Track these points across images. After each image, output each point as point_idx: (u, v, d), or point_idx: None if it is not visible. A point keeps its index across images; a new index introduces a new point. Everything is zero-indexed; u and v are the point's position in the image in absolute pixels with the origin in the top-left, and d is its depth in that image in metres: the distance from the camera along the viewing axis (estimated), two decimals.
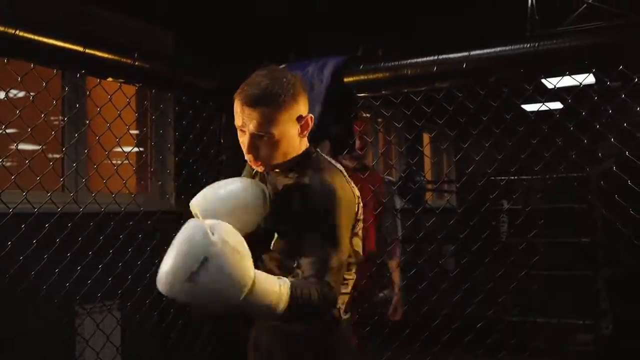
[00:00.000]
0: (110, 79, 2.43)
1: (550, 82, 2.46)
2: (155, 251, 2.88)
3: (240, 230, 1.28)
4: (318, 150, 1.59)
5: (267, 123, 1.41)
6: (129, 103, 2.60)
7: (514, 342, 2.76)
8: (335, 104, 2.57)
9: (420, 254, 3.53)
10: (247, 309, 1.26)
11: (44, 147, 2.28)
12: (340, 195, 1.42)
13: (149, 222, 2.81)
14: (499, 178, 3.40)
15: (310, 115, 1.51)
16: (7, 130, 2.16)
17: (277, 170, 1.54)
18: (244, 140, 1.46)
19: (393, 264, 3.00)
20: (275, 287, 1.26)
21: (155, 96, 3.40)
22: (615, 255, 3.45)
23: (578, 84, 2.33)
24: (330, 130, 2.66)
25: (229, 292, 1.18)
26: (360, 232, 1.55)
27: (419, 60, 2.43)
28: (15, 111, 2.16)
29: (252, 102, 1.40)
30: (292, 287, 1.27)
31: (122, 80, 2.46)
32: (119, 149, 2.72)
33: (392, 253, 2.98)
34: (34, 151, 2.52)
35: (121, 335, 3.04)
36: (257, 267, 1.27)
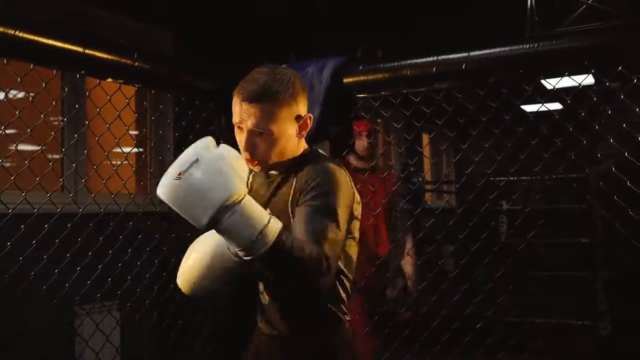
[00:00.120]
0: (109, 80, 2.44)
1: (550, 83, 2.46)
2: (155, 252, 2.88)
3: None
4: (319, 150, 1.58)
5: (265, 120, 1.39)
6: (128, 104, 2.60)
7: (513, 343, 2.76)
8: (334, 104, 2.58)
9: (419, 254, 3.53)
10: (228, 233, 1.22)
11: (43, 147, 2.28)
12: (339, 179, 1.41)
13: (148, 222, 2.81)
14: (499, 179, 3.41)
15: (309, 115, 1.50)
16: (7, 131, 2.16)
17: (273, 172, 1.52)
18: (241, 138, 1.44)
19: (408, 266, 3.03)
20: (264, 217, 1.23)
21: (154, 97, 3.40)
22: (614, 256, 3.45)
23: (577, 84, 2.34)
24: (330, 130, 2.66)
25: (212, 195, 1.18)
26: (356, 234, 1.53)
27: (419, 61, 2.43)
28: (15, 112, 2.15)
29: (250, 98, 1.39)
30: (283, 230, 1.24)
31: (121, 81, 2.46)
32: (119, 150, 2.72)
33: (404, 252, 3.02)
34: (33, 152, 2.52)
35: (120, 335, 3.04)
36: None
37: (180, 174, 1.21)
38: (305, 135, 1.52)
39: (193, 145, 1.29)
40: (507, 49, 2.28)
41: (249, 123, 1.40)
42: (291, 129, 1.45)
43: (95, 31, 2.70)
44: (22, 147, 2.60)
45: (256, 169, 1.48)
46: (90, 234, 2.50)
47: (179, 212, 1.23)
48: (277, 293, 1.51)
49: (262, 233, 1.21)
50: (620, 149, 2.21)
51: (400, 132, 4.64)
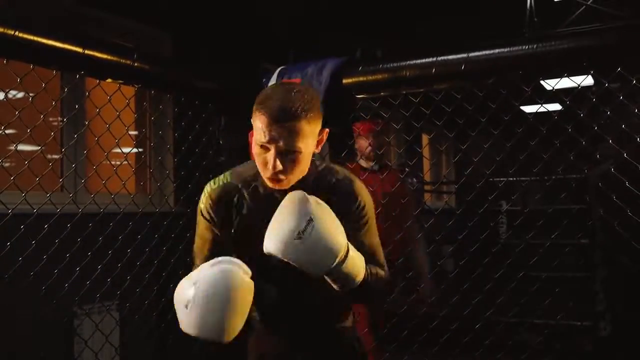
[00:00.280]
0: (109, 80, 2.44)
1: (549, 84, 2.47)
2: (154, 252, 2.89)
3: None
4: (322, 161, 1.64)
5: (296, 138, 1.37)
6: (128, 104, 2.60)
7: (512, 343, 2.76)
8: (334, 105, 2.58)
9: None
10: (336, 275, 1.39)
11: (43, 147, 2.28)
12: (368, 194, 1.57)
13: (148, 223, 2.81)
14: (498, 179, 3.41)
15: (327, 129, 1.50)
16: (7, 131, 2.16)
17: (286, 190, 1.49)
18: (266, 156, 1.40)
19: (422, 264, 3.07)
20: (362, 259, 1.44)
21: (154, 97, 3.40)
22: (613, 257, 3.45)
23: (577, 85, 2.34)
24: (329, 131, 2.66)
25: (332, 250, 1.34)
26: None
27: (418, 61, 2.43)
28: (15, 112, 2.16)
29: (282, 117, 1.36)
30: (367, 264, 1.47)
31: (121, 81, 2.46)
32: (118, 150, 2.72)
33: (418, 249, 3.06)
34: (33, 152, 2.52)
35: (120, 335, 3.04)
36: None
37: (299, 234, 1.32)
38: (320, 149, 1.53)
39: (296, 200, 1.36)
40: (506, 49, 2.28)
41: (281, 143, 1.37)
42: (313, 145, 1.46)
43: (95, 32, 2.71)
44: (22, 147, 2.60)
45: (281, 186, 1.46)
46: (90, 234, 2.50)
47: (295, 265, 1.35)
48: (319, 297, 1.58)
49: (359, 273, 1.43)
50: (620, 150, 2.22)
51: (400, 133, 4.64)
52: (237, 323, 1.41)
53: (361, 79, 2.57)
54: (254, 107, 1.42)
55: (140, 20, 3.58)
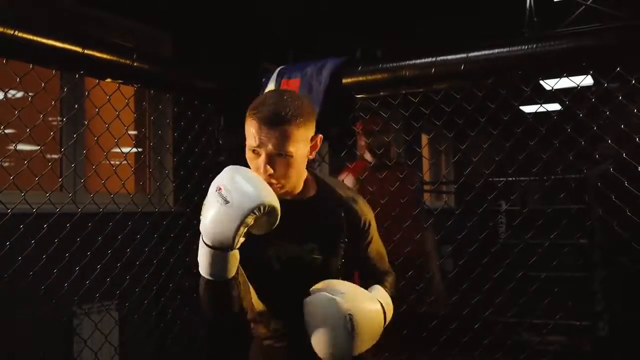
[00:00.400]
0: (108, 80, 2.44)
1: (549, 84, 2.47)
2: (154, 252, 2.89)
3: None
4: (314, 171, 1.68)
5: (285, 142, 1.41)
6: (127, 104, 2.60)
7: (511, 343, 2.76)
8: (333, 105, 2.58)
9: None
10: None
11: (42, 147, 2.28)
12: (369, 207, 1.67)
13: (147, 222, 2.81)
14: (497, 179, 3.41)
15: (320, 135, 1.53)
16: (6, 131, 2.16)
17: (287, 198, 1.52)
18: (258, 161, 1.44)
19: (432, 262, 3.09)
20: (389, 304, 1.61)
21: (153, 97, 3.40)
22: (612, 257, 3.46)
23: (576, 85, 2.34)
24: (328, 131, 2.66)
25: (376, 329, 1.52)
26: None
27: (417, 61, 2.43)
28: (14, 111, 2.16)
29: (272, 121, 1.40)
30: (388, 290, 1.66)
31: (120, 81, 2.46)
32: (118, 150, 2.72)
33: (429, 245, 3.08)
34: (32, 151, 2.52)
35: (119, 335, 3.04)
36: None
37: (350, 333, 1.45)
38: (315, 155, 1.56)
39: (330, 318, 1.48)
40: (506, 49, 2.28)
41: (270, 146, 1.41)
42: (306, 150, 1.49)
43: (94, 32, 2.71)
44: (21, 147, 2.60)
45: (277, 192, 1.46)
46: (89, 233, 2.50)
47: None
48: None
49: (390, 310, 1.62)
50: (619, 150, 2.22)
51: (399, 133, 4.64)
52: None
53: (361, 78, 2.57)
54: (247, 113, 1.45)
55: (140, 20, 3.58)
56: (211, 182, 1.44)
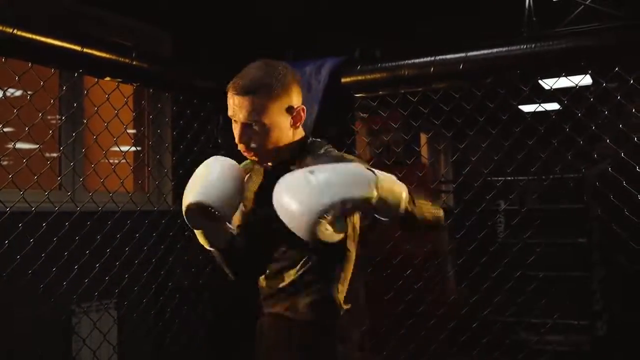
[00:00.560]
0: (107, 79, 2.44)
1: (547, 84, 2.47)
2: (152, 250, 2.89)
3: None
4: (319, 140, 1.60)
5: (256, 111, 1.44)
6: (126, 102, 2.60)
7: (509, 342, 2.76)
8: (332, 104, 2.58)
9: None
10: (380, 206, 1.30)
11: (41, 146, 2.28)
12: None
13: (146, 221, 2.81)
14: (496, 178, 3.41)
15: (302, 106, 1.53)
16: (5, 129, 2.17)
17: (271, 164, 1.55)
18: (235, 130, 1.49)
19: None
20: (398, 183, 1.35)
21: (152, 96, 3.40)
22: (610, 257, 3.46)
23: (574, 85, 2.34)
24: (327, 130, 2.67)
25: (353, 176, 1.27)
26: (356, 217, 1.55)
27: (416, 61, 2.43)
28: (13, 110, 2.16)
29: (242, 91, 1.44)
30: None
31: (119, 80, 2.46)
32: (117, 148, 2.72)
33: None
34: (31, 150, 2.52)
35: (118, 334, 3.04)
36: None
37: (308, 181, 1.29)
38: (299, 126, 1.55)
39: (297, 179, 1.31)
40: (504, 49, 2.28)
41: (241, 115, 1.46)
42: (284, 120, 1.49)
43: (94, 31, 2.71)
44: (20, 145, 2.60)
45: (253, 159, 1.53)
46: (88, 232, 2.50)
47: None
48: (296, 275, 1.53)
49: (400, 198, 1.36)
50: (617, 149, 2.22)
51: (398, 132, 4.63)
52: None
53: (360, 78, 2.58)
54: None
55: (140, 19, 3.57)
56: None
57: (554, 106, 5.39)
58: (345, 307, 1.54)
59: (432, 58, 2.39)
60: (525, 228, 2.84)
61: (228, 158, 1.55)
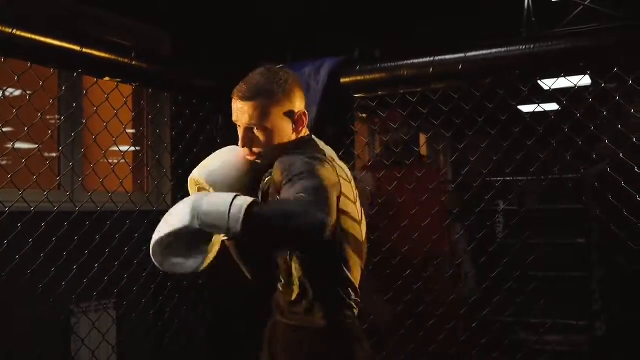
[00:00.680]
0: (107, 79, 2.43)
1: (546, 84, 2.47)
2: None
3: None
4: (314, 138, 1.60)
5: (258, 116, 1.49)
6: (125, 102, 2.60)
7: (508, 342, 2.76)
8: (332, 104, 2.58)
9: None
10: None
11: (40, 146, 2.28)
12: (316, 167, 1.34)
13: (145, 221, 2.81)
14: (495, 179, 3.41)
15: (304, 111, 1.56)
16: (4, 129, 2.16)
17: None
18: (240, 135, 1.55)
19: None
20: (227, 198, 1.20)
21: (152, 96, 3.40)
22: (609, 257, 3.46)
23: (573, 85, 2.34)
24: (327, 130, 2.67)
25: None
26: (355, 215, 1.52)
27: (415, 61, 2.44)
28: (12, 110, 2.15)
29: (244, 97, 1.49)
30: (255, 202, 1.19)
31: (119, 80, 2.46)
32: (116, 148, 2.72)
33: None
34: (30, 150, 2.52)
35: (117, 334, 3.04)
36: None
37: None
38: (302, 130, 1.57)
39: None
40: (503, 49, 2.29)
41: (244, 120, 1.51)
42: (286, 125, 1.52)
43: (93, 31, 2.70)
44: (19, 145, 2.60)
45: (257, 162, 1.57)
46: (87, 232, 2.50)
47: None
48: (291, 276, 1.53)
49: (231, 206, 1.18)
50: (616, 150, 2.22)
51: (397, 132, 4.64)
52: None
53: (359, 78, 2.58)
54: None
55: (139, 19, 3.57)
56: None
57: (553, 106, 5.39)
58: (356, 308, 1.54)
59: (432, 58, 2.39)
60: (524, 228, 2.85)
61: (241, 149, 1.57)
